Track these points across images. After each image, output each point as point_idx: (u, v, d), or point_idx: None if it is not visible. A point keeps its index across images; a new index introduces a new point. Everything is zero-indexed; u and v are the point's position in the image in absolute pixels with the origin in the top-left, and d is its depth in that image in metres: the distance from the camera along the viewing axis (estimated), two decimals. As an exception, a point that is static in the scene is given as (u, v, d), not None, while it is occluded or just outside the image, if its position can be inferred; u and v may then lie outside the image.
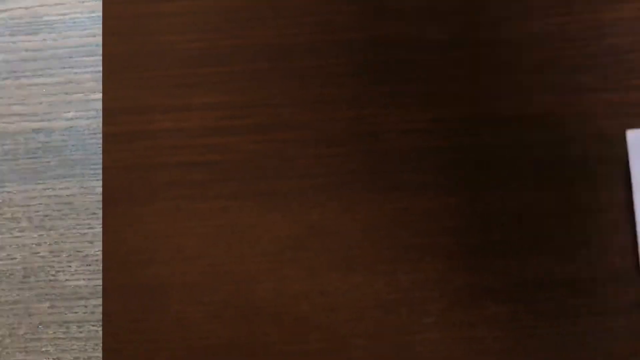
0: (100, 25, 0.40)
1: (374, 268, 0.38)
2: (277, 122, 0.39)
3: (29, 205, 0.49)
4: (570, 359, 0.36)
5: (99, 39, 0.39)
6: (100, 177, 0.38)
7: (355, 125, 0.39)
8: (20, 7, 0.54)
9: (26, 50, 0.52)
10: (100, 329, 0.38)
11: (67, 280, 0.47)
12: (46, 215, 0.50)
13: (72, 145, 0.49)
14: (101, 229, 0.39)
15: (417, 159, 0.39)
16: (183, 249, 0.39)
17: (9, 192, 0.50)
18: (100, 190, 0.40)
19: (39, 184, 0.51)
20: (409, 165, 0.39)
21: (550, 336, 0.36)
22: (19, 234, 0.51)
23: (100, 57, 0.40)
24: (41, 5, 0.52)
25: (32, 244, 0.51)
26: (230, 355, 0.38)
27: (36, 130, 0.51)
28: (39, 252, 0.52)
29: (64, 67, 0.51)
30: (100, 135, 0.38)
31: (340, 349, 0.38)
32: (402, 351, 0.38)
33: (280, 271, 0.38)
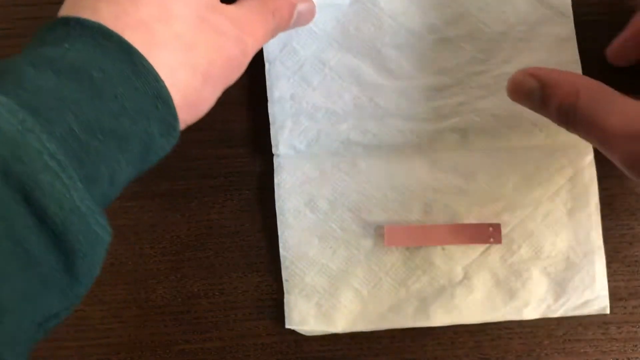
0: None
1: (272, 267, 0.38)
2: (177, 122, 0.39)
3: None
4: None
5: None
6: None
7: (254, 126, 0.39)
8: None
9: None
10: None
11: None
12: None
13: None
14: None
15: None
16: (85, 249, 0.39)
17: None
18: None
19: None
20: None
21: None
22: None
23: None
24: None
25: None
26: (131, 354, 0.38)
27: None
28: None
29: None
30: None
31: (240, 348, 0.38)
32: (299, 349, 0.38)
33: (181, 270, 0.39)
